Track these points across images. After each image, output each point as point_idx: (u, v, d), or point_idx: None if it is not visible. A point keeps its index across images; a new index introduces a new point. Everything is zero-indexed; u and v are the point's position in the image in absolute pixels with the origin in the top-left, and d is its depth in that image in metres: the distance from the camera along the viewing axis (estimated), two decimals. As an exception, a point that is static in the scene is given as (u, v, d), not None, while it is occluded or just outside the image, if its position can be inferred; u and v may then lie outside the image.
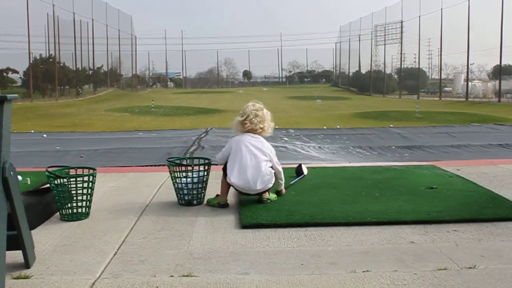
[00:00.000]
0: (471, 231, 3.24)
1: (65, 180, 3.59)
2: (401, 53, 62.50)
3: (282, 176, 4.07)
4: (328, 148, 8.68)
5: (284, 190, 4.16)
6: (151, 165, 6.64)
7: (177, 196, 4.04)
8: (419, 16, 54.70)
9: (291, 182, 4.53)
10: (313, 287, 2.41)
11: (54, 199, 3.64)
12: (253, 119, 4.01)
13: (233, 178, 3.87)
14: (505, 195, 4.08)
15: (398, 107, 32.68)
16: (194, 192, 3.97)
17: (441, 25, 50.26)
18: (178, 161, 4.27)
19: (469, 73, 50.52)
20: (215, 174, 5.13)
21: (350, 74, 76.42)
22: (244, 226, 3.38)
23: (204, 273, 2.59)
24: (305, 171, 4.96)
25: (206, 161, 4.16)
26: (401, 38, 61.49)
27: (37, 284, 2.46)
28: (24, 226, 2.62)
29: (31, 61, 41.77)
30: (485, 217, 3.47)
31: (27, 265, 2.67)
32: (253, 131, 4.03)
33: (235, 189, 3.95)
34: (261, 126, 4.04)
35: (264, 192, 3.92)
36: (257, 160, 3.88)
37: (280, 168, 4.04)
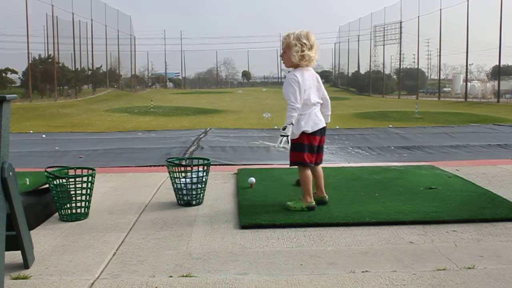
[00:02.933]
0: (470, 231, 3.25)
1: (64, 180, 3.59)
2: (400, 54, 62.57)
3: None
4: (327, 148, 8.67)
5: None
6: (150, 166, 6.63)
7: (176, 197, 4.04)
8: (418, 17, 54.80)
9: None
10: (312, 287, 2.41)
11: (53, 200, 3.64)
12: (317, 51, 3.70)
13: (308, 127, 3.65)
14: (504, 195, 4.09)
15: (397, 107, 32.72)
16: (193, 192, 3.97)
17: (440, 25, 50.36)
18: (177, 162, 4.26)
19: (468, 73, 50.56)
20: (214, 175, 5.13)
21: (349, 74, 76.49)
22: (243, 226, 3.38)
23: (203, 273, 2.60)
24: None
25: (205, 161, 4.15)
26: (400, 39, 61.54)
27: (36, 285, 2.46)
28: (23, 226, 2.61)
29: (30, 61, 41.78)
30: (484, 217, 3.48)
31: (26, 265, 2.67)
32: (310, 65, 3.73)
33: (310, 139, 3.67)
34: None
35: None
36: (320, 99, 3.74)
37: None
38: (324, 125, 3.77)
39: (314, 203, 3.72)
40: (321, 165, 3.92)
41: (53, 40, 44.13)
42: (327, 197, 3.88)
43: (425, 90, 62.76)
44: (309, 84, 3.67)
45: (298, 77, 3.61)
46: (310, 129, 3.64)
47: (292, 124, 3.59)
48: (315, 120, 3.69)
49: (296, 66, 3.70)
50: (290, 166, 3.83)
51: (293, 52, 3.64)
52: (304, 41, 3.62)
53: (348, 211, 3.65)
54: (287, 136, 3.58)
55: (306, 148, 3.68)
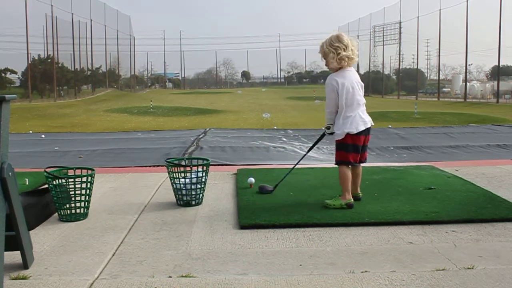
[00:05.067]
0: (469, 232, 3.25)
1: (63, 180, 3.59)
2: (399, 54, 62.56)
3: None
4: (326, 149, 8.66)
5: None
6: (149, 166, 6.63)
7: (176, 197, 4.04)
8: (418, 17, 54.77)
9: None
10: (311, 287, 2.41)
11: (52, 200, 3.64)
12: (354, 49, 3.77)
13: (353, 128, 3.74)
14: (503, 196, 4.09)
15: (396, 107, 32.71)
16: (193, 192, 3.97)
17: (440, 25, 50.30)
18: (176, 162, 4.26)
19: (468, 73, 50.51)
20: (214, 175, 5.13)
21: (349, 74, 76.34)
22: (243, 226, 3.38)
23: (203, 273, 2.60)
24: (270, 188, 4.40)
25: (205, 161, 4.15)
26: (400, 39, 61.54)
27: (36, 285, 2.46)
28: (22, 226, 2.62)
29: (30, 62, 41.72)
30: (484, 218, 3.48)
31: (25, 265, 2.67)
32: (351, 64, 3.79)
33: (354, 139, 3.76)
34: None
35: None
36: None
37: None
38: (369, 125, 3.86)
39: (352, 200, 3.79)
40: (360, 166, 3.99)
41: (53, 40, 44.07)
42: (361, 194, 3.98)
43: (424, 91, 62.75)
44: (351, 84, 3.76)
45: (337, 80, 3.75)
46: (354, 130, 3.76)
47: (332, 124, 3.84)
48: (359, 121, 3.78)
49: (339, 68, 3.80)
50: (336, 164, 3.90)
51: (330, 59, 3.76)
52: (337, 44, 3.73)
53: (348, 211, 3.65)
54: (333, 133, 3.82)
55: (350, 148, 3.80)
